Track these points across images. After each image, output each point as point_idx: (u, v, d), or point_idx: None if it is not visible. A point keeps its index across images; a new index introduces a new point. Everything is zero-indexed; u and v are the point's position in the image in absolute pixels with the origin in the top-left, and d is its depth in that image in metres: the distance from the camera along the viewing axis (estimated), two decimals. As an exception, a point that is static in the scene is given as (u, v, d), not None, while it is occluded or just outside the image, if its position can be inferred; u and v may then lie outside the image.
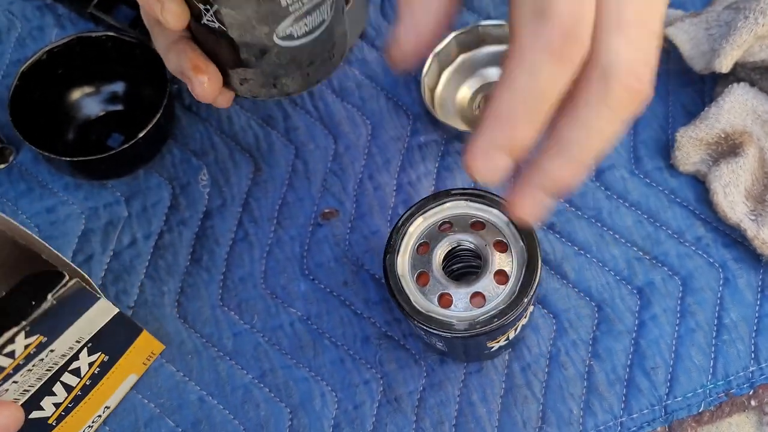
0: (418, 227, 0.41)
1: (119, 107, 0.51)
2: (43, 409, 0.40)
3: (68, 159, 0.45)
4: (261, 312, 0.47)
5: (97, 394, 0.43)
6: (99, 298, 0.39)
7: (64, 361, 0.39)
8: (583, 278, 0.47)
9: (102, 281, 0.48)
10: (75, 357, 0.40)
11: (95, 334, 0.40)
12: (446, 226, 0.41)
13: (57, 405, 0.41)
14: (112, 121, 0.50)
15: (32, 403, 0.39)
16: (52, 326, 0.37)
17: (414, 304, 0.39)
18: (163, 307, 0.47)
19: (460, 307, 0.39)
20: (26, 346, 0.36)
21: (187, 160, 0.50)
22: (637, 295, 0.46)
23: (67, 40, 0.48)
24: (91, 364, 0.41)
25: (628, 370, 0.45)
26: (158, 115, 0.45)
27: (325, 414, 0.45)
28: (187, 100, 0.52)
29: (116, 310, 0.41)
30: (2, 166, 0.50)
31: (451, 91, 0.51)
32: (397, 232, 0.40)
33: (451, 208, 0.41)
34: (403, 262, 0.40)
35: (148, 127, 0.45)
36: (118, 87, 0.50)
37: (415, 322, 0.39)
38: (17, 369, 0.37)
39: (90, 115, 0.50)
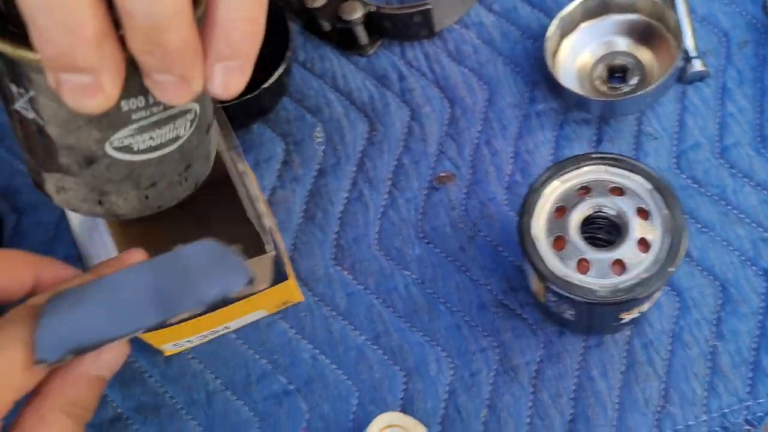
0: (554, 190, 0.40)
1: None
2: None
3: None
4: (375, 273, 0.46)
5: (225, 312, 0.42)
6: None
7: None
8: (706, 257, 0.45)
9: (214, 235, 0.47)
10: None
11: None
12: (583, 191, 0.39)
13: None
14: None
15: None
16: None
17: (550, 267, 0.38)
18: (276, 263, 0.46)
19: (598, 273, 0.38)
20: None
21: (301, 116, 0.49)
22: (763, 277, 0.45)
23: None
24: None
25: (754, 352, 0.43)
26: (282, 68, 0.45)
27: (440, 380, 0.44)
28: (302, 56, 0.51)
29: (273, 253, 0.39)
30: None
31: (572, 58, 0.50)
32: (533, 194, 0.39)
33: (590, 173, 0.40)
34: (538, 225, 0.39)
35: (272, 79, 0.44)
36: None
37: (552, 285, 0.38)
38: None
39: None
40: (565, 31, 0.50)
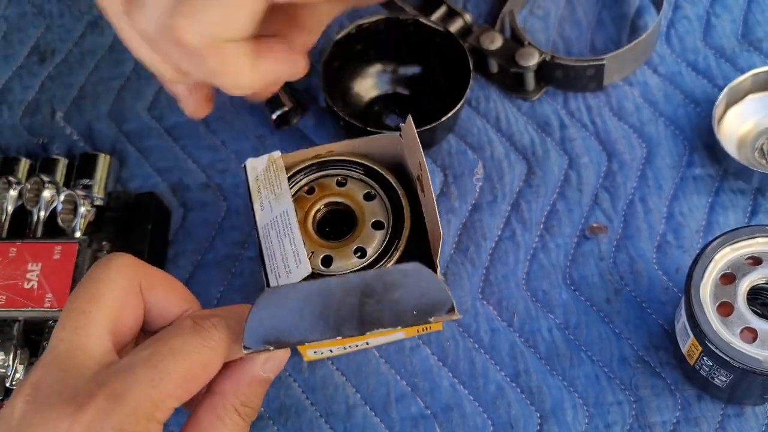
0: (724, 256, 0.40)
1: (406, 90, 0.52)
2: None
3: (372, 130, 0.46)
4: (520, 312, 0.47)
5: None
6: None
7: None
8: None
9: (367, 254, 0.49)
10: None
11: None
12: (752, 260, 0.40)
13: None
14: (394, 101, 0.52)
15: None
16: None
17: (715, 331, 0.38)
18: (425, 289, 0.48)
19: (764, 344, 0.38)
20: None
21: (463, 152, 0.51)
22: None
23: (376, 19, 0.49)
24: None
25: None
26: (460, 105, 0.46)
27: (575, 426, 0.44)
28: (468, 94, 0.53)
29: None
30: (286, 127, 0.52)
31: (735, 128, 0.50)
32: (705, 257, 0.40)
33: (763, 244, 0.40)
34: (705, 288, 0.39)
35: (448, 115, 0.46)
36: (411, 70, 0.52)
37: (715, 349, 0.38)
38: None
39: (378, 92, 0.52)
40: (732, 100, 0.50)
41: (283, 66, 0.36)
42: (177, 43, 0.32)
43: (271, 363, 0.35)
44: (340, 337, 0.32)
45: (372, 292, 0.32)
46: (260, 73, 0.34)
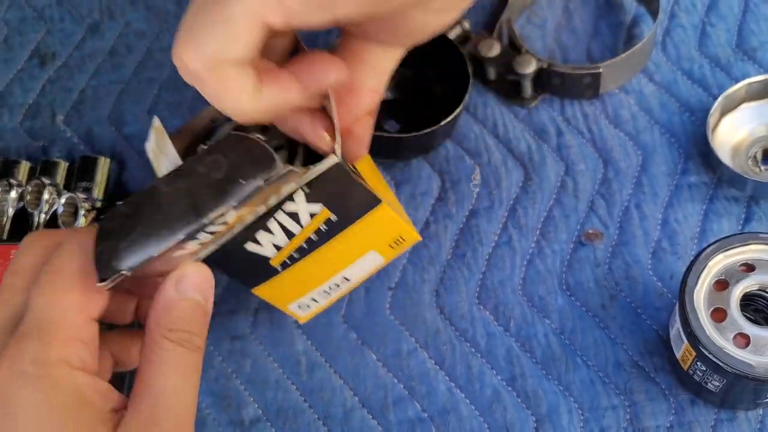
0: (718, 263, 0.41)
1: (404, 96, 0.52)
2: (260, 245, 0.39)
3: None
4: (517, 317, 0.47)
5: (329, 255, 0.42)
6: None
7: (279, 200, 0.38)
8: None
9: (365, 258, 0.49)
10: (290, 198, 0.38)
11: (312, 181, 0.37)
12: (745, 267, 0.41)
13: (277, 247, 0.40)
14: (392, 106, 0.52)
15: (247, 234, 0.38)
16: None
17: (708, 336, 0.39)
18: (423, 294, 0.48)
19: (757, 350, 0.38)
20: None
21: (460, 157, 0.52)
22: None
23: (376, 25, 0.50)
24: (312, 215, 0.39)
25: None
26: (458, 111, 0.47)
27: (571, 430, 0.45)
28: (466, 100, 0.53)
29: (336, 160, 0.37)
30: (285, 132, 0.53)
31: (730, 136, 0.51)
32: (699, 264, 0.40)
33: (756, 252, 0.41)
34: (699, 294, 0.40)
35: (446, 120, 0.47)
36: (410, 77, 0.52)
37: (708, 354, 0.39)
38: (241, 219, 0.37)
39: (377, 98, 0.52)
40: (726, 109, 0.51)
41: (289, 95, 0.36)
42: (180, 69, 0.33)
43: (187, 284, 0.35)
44: (204, 220, 0.33)
45: (200, 180, 0.34)
46: (263, 99, 0.34)
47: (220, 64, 0.32)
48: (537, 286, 0.48)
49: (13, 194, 0.46)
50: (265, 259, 0.40)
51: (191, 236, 0.34)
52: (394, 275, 0.49)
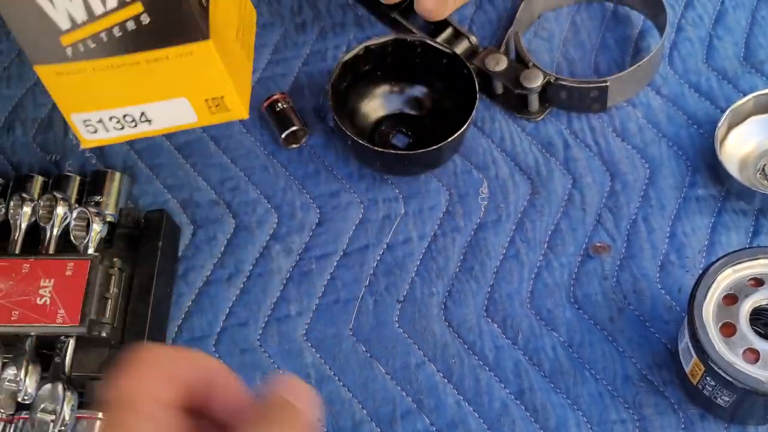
0: (726, 277, 0.41)
1: (412, 110, 0.53)
2: (53, 5, 0.36)
3: (380, 150, 0.47)
4: (525, 330, 0.48)
5: (131, 74, 0.38)
6: None
7: None
8: None
9: (373, 271, 0.50)
10: None
11: None
12: (754, 282, 0.41)
13: (72, 21, 0.37)
14: (401, 120, 0.53)
15: None
16: None
17: (717, 351, 0.39)
18: (431, 307, 0.48)
19: (767, 365, 0.38)
20: None
21: (468, 171, 0.52)
22: None
23: (384, 41, 0.50)
24: (122, 2, 0.36)
25: None
26: (466, 126, 0.47)
27: (579, 444, 0.45)
28: (474, 115, 0.53)
29: None
30: (295, 146, 0.53)
31: (737, 149, 0.51)
32: (707, 278, 0.40)
33: (765, 266, 0.41)
34: (708, 309, 0.40)
35: (455, 135, 0.47)
36: (418, 91, 0.53)
37: (718, 370, 0.39)
38: None
39: (385, 111, 0.53)
40: (734, 122, 0.51)
41: None
42: None
43: None
44: None
45: None
46: None
47: None
48: (545, 299, 0.48)
49: (26, 209, 0.46)
50: (55, 30, 0.37)
51: None
52: (402, 288, 0.49)
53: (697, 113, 0.53)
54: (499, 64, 0.52)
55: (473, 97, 0.49)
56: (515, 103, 0.53)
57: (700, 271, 0.42)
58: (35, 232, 0.47)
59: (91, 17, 0.36)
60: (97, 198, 0.49)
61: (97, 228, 0.45)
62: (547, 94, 0.52)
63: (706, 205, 0.50)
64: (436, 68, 0.51)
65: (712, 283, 0.40)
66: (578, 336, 0.47)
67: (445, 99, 0.52)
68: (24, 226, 0.46)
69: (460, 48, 0.53)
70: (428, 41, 0.51)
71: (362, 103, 0.53)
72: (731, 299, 0.40)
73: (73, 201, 0.48)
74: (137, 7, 0.36)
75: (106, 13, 0.36)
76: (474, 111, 0.48)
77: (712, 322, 0.40)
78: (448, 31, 0.54)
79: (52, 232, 0.46)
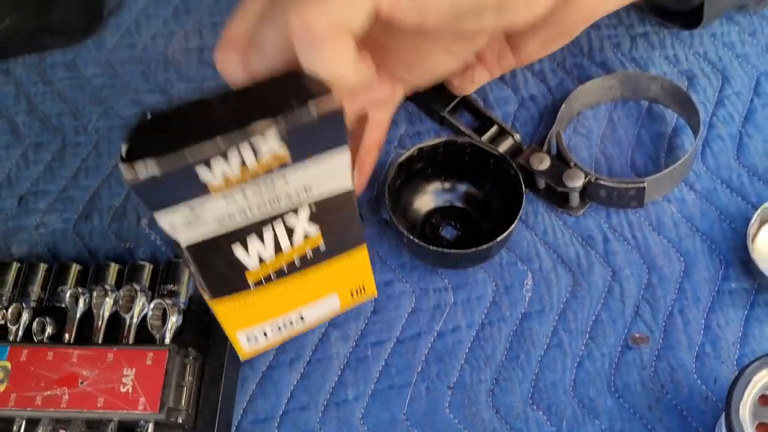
0: (762, 378, 0.44)
1: (461, 203, 0.57)
2: (247, 251, 0.38)
3: (433, 248, 0.51)
4: (569, 418, 0.51)
5: (299, 286, 0.41)
6: (346, 144, 0.36)
7: (285, 206, 0.37)
8: None
9: (425, 358, 0.53)
10: (295, 210, 0.37)
11: (322, 200, 0.38)
12: (788, 382, 0.43)
13: (261, 260, 0.39)
14: (450, 213, 0.57)
15: (241, 234, 0.37)
16: (299, 146, 0.35)
17: (753, 450, 0.42)
18: (479, 394, 0.52)
19: (799, 465, 0.41)
20: (272, 155, 0.34)
21: (513, 263, 0.55)
22: None
23: (436, 143, 0.54)
24: (306, 237, 0.39)
25: None
26: (514, 224, 0.51)
27: None
28: (521, 214, 0.57)
29: (351, 187, 0.37)
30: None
31: (767, 245, 0.54)
32: (743, 378, 0.43)
33: (798, 367, 0.43)
34: (744, 408, 0.43)
35: (504, 235, 0.51)
36: (467, 187, 0.57)
37: (753, 469, 0.41)
38: (254, 178, 0.34)
39: (435, 205, 0.57)
40: (766, 218, 0.54)
41: (371, 79, 0.39)
42: (298, 29, 0.35)
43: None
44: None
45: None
46: (361, 72, 0.37)
47: (343, 29, 0.35)
48: (587, 388, 0.51)
49: (108, 300, 0.50)
50: (243, 270, 0.39)
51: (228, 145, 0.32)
52: (452, 375, 0.52)
53: (730, 208, 0.56)
54: (542, 163, 0.55)
55: (519, 195, 0.53)
56: (557, 199, 0.57)
57: (736, 368, 0.45)
58: (115, 321, 0.51)
59: (278, 253, 0.39)
60: (170, 287, 0.53)
61: (173, 320, 0.49)
62: (587, 191, 0.55)
63: (739, 298, 0.53)
64: (484, 167, 0.55)
65: (748, 383, 0.43)
66: (619, 424, 0.50)
67: (493, 195, 0.55)
68: (106, 315, 0.50)
69: (505, 146, 0.57)
70: (476, 143, 0.55)
71: (414, 198, 0.56)
72: (767, 399, 0.43)
73: (149, 291, 0.52)
74: (318, 239, 0.39)
75: (291, 248, 0.39)
76: (521, 210, 0.52)
77: (749, 422, 0.42)
78: (493, 128, 0.58)
79: (131, 322, 0.50)
